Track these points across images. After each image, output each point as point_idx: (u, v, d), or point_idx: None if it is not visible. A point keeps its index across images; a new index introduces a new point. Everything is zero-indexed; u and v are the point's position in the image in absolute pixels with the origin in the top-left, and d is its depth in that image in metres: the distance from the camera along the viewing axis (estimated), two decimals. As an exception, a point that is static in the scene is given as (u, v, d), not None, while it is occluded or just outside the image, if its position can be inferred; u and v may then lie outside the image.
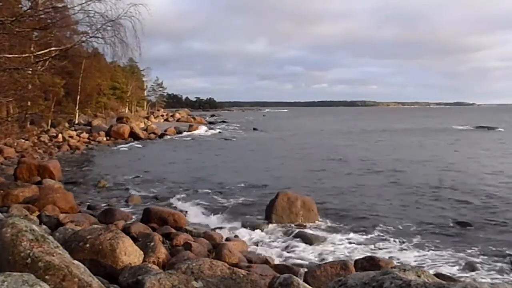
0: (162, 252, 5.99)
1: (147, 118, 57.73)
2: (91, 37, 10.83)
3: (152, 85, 74.61)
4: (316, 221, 10.20)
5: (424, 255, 8.21)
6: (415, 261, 7.83)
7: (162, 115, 69.67)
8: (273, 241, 9.00)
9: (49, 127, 31.35)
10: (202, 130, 46.17)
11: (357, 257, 7.24)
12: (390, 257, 7.71)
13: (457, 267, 7.58)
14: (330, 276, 5.61)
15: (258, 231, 9.63)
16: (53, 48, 11.50)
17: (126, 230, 7.60)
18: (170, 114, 72.61)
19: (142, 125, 44.87)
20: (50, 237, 3.96)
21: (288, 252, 8.33)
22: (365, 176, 16.85)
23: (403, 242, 8.95)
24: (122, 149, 28.91)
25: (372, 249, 8.52)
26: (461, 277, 6.72)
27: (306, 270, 6.52)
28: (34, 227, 3.91)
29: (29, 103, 26.29)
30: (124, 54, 11.18)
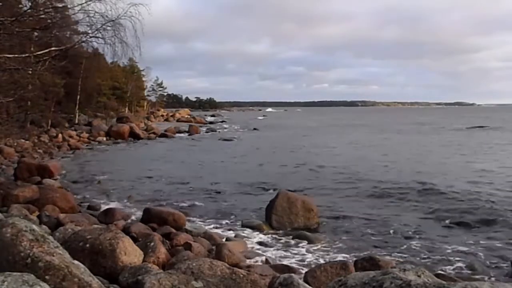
0: (162, 252, 5.99)
1: (147, 118, 57.75)
2: (91, 37, 10.87)
3: (152, 85, 74.56)
4: (316, 221, 10.19)
5: (424, 255, 8.21)
6: (415, 261, 7.83)
7: (162, 115, 69.68)
8: (273, 241, 9.00)
9: (49, 127, 31.34)
10: (202, 130, 46.17)
11: (357, 257, 7.24)
12: (390, 257, 7.71)
13: (457, 267, 7.58)
14: (330, 276, 5.61)
15: (258, 231, 9.63)
16: (53, 48, 11.53)
17: (126, 230, 7.60)
18: (170, 114, 72.63)
19: (142, 125, 44.87)
20: (50, 237, 3.96)
21: (288, 252, 8.33)
22: (364, 175, 16.83)
23: (403, 242, 8.95)
24: (122, 149, 28.94)
25: (372, 249, 8.52)
26: (461, 277, 6.71)
27: (306, 270, 6.52)
28: (34, 227, 3.91)
29: (29, 103, 26.33)
30: (124, 54, 11.21)
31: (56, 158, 21.80)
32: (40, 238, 3.71)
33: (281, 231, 9.60)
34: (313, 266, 6.93)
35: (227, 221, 10.60)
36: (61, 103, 34.72)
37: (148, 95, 71.94)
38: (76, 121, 37.13)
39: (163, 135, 38.00)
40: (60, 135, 29.51)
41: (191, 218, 10.58)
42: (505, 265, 7.65)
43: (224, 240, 8.55)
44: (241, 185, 15.09)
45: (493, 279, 7.03)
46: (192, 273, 4.17)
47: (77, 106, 37.42)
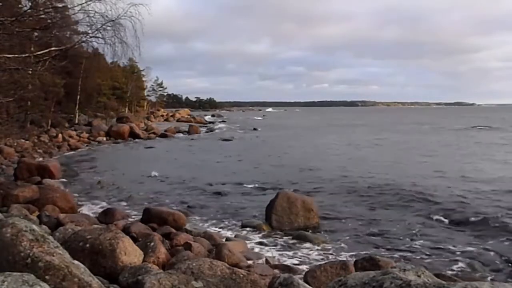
0: (162, 252, 5.99)
1: (147, 118, 57.73)
2: (91, 37, 10.87)
3: (152, 85, 74.51)
4: (316, 221, 10.19)
5: (424, 255, 8.21)
6: (415, 261, 7.83)
7: (162, 115, 69.66)
8: (273, 241, 8.99)
9: (49, 127, 31.33)
10: (202, 130, 46.19)
11: (357, 257, 7.24)
12: (390, 257, 7.71)
13: (457, 267, 7.58)
14: (330, 276, 5.61)
15: (258, 231, 9.64)
16: (53, 48, 11.53)
17: (126, 230, 7.59)
18: (170, 114, 72.60)
19: (142, 125, 44.88)
20: (50, 237, 3.96)
21: (288, 252, 8.33)
22: (364, 175, 16.83)
23: (403, 242, 8.94)
24: (122, 149, 28.95)
25: (372, 249, 8.52)
26: (461, 277, 6.71)
27: (306, 270, 6.52)
28: (34, 227, 3.91)
29: (29, 103, 26.33)
30: (124, 54, 11.21)
31: (56, 158, 21.79)
32: (40, 238, 3.71)
33: (281, 231, 9.60)
34: (313, 266, 6.92)
35: (227, 221, 10.60)
36: (61, 103, 34.71)
37: (148, 95, 71.96)
38: (76, 121, 37.11)
39: (163, 135, 38.01)
40: (60, 135, 29.51)
41: (191, 218, 10.58)
42: (505, 265, 7.65)
43: (224, 240, 8.54)
44: (241, 185, 15.08)
45: (493, 279, 7.03)
46: (192, 273, 4.17)
47: (77, 106, 37.40)
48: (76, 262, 3.74)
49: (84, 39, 11.56)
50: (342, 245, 8.81)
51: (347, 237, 9.28)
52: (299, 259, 7.93)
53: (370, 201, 12.54)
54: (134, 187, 14.76)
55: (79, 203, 11.73)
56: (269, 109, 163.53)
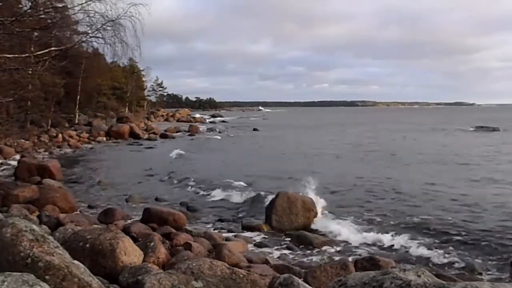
0: (162, 252, 5.98)
1: (147, 118, 57.75)
2: (91, 37, 10.85)
3: (152, 85, 74.49)
4: (316, 221, 10.19)
5: (424, 255, 8.21)
6: (415, 261, 7.83)
7: (162, 115, 69.72)
8: (273, 241, 9.00)
9: (49, 127, 31.34)
10: (202, 130, 46.19)
11: (357, 257, 7.24)
12: (390, 257, 7.71)
13: (457, 267, 7.58)
14: (330, 276, 5.61)
15: (258, 231, 9.64)
16: (53, 48, 11.52)
17: (126, 230, 7.59)
18: (170, 114, 72.66)
19: (142, 125, 44.89)
20: (50, 237, 3.96)
21: (288, 252, 8.34)
22: (364, 175, 16.83)
23: (403, 242, 8.94)
24: (122, 149, 28.94)
25: (372, 249, 8.52)
26: (461, 277, 6.71)
27: (306, 270, 6.52)
28: (34, 227, 3.91)
29: (29, 103, 26.34)
30: (124, 54, 11.16)
31: (56, 157, 21.78)
32: (40, 238, 3.71)
33: (281, 231, 9.60)
34: (313, 266, 6.92)
35: (227, 221, 10.60)
36: (61, 103, 34.73)
37: (148, 95, 71.93)
38: (76, 121, 37.12)
39: (163, 135, 37.98)
40: (60, 135, 29.53)
41: (191, 218, 10.58)
42: (505, 265, 7.65)
43: (224, 240, 8.54)
44: (241, 185, 15.06)
45: (493, 279, 7.03)
46: (192, 273, 4.16)
47: (77, 106, 37.40)
48: (76, 262, 3.74)
49: (84, 39, 11.55)
50: (342, 245, 8.81)
51: (347, 237, 9.27)
52: (299, 259, 7.93)
53: (369, 201, 12.54)
54: (134, 187, 14.77)
55: (79, 203, 11.73)
56: (268, 110, 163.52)
